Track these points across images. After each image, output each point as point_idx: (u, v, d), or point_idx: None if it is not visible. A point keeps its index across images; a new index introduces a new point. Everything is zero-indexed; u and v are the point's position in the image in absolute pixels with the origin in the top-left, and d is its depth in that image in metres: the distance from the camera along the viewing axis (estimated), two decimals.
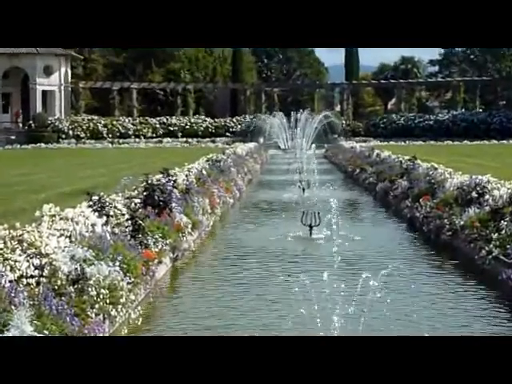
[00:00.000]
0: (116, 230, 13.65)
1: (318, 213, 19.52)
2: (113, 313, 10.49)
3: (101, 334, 9.90)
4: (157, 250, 14.53)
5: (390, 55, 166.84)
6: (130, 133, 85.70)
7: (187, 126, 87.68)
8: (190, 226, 17.91)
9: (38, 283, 9.52)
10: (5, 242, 10.03)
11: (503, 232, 14.70)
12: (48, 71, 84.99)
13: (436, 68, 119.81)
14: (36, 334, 7.70)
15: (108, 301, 10.42)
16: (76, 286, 10.10)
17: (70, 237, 11.56)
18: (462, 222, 17.22)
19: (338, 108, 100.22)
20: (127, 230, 14.13)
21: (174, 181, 19.81)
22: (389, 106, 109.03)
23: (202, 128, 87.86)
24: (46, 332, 8.27)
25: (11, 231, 10.31)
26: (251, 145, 58.81)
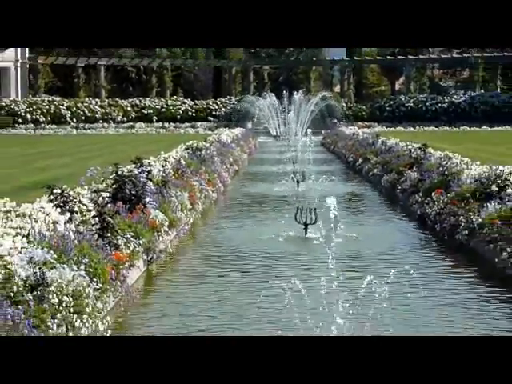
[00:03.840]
0: (81, 229, 13.65)
1: (315, 209, 19.55)
2: (77, 324, 10.47)
3: None
4: (128, 251, 14.53)
5: None
6: (98, 116, 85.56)
7: (163, 109, 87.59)
8: (166, 223, 17.91)
9: None
10: None
11: None
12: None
13: None
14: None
15: (72, 310, 10.41)
16: (35, 293, 10.10)
17: (27, 236, 11.56)
18: (480, 220, 17.27)
19: (337, 88, 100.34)
20: (94, 228, 14.13)
21: (149, 172, 19.82)
22: (396, 87, 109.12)
23: (180, 111, 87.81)
24: None
25: None
26: (237, 131, 58.80)
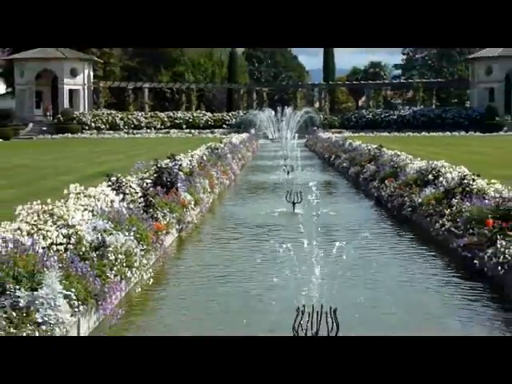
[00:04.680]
0: (131, 206, 13.65)
1: (300, 192, 19.56)
2: (128, 274, 10.52)
3: (118, 293, 9.94)
4: (165, 222, 14.55)
5: (361, 60, 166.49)
6: (143, 125, 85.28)
7: (190, 119, 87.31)
8: (192, 202, 17.92)
9: (65, 249, 9.54)
10: (38, 216, 10.07)
11: (454, 208, 14.77)
12: (74, 73, 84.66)
13: (399, 71, 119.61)
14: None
15: (124, 264, 10.44)
16: (97, 252, 10.12)
17: (92, 211, 11.57)
18: (420, 200, 17.28)
19: (317, 105, 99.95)
20: (140, 205, 14.14)
21: (180, 165, 19.80)
22: (359, 103, 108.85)
23: (202, 121, 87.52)
24: (73, 290, 8.31)
25: (43, 206, 10.33)
26: (244, 135, 58.68)
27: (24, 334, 6.87)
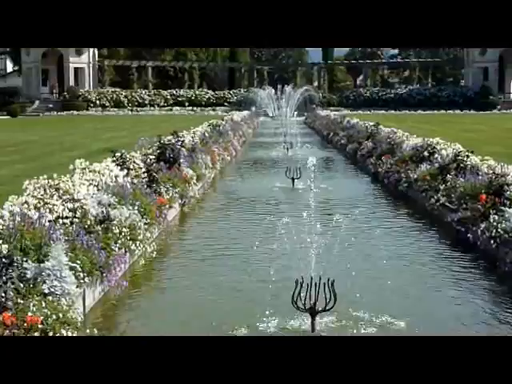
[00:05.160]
0: (135, 181, 13.63)
1: (299, 168, 19.54)
2: (132, 247, 10.52)
3: (123, 265, 9.95)
4: (168, 197, 14.53)
5: None
6: (146, 102, 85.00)
7: (193, 97, 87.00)
8: (195, 178, 17.89)
9: (71, 223, 9.53)
10: (45, 190, 10.05)
11: (448, 184, 14.76)
12: (79, 52, 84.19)
13: (396, 51, 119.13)
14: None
15: (128, 237, 10.44)
16: (102, 226, 10.11)
17: (97, 186, 11.55)
18: (415, 176, 17.26)
19: (316, 83, 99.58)
20: (144, 180, 14.12)
21: (182, 141, 19.76)
22: (357, 82, 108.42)
23: (204, 99, 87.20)
24: (79, 262, 8.31)
25: (50, 181, 10.31)
26: (245, 113, 58.49)
27: (31, 305, 6.88)
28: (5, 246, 7.39)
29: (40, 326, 6.70)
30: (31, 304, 6.91)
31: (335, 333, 7.63)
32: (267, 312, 8.07)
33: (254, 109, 70.88)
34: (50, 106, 79.63)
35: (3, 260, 7.02)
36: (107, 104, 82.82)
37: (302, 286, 7.72)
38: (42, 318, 6.77)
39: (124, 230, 10.38)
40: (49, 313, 6.90)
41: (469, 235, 11.88)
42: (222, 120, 36.07)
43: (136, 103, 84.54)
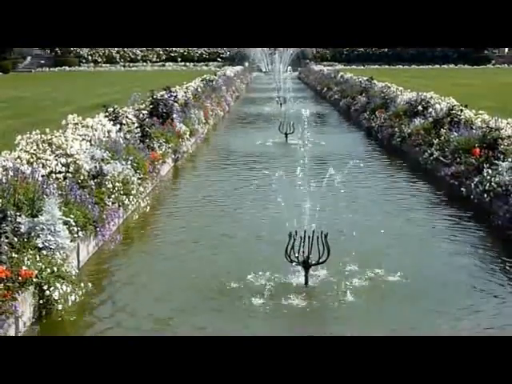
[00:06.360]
0: (128, 136, 13.57)
1: (292, 123, 19.51)
2: (126, 202, 10.52)
3: (116, 219, 9.95)
4: (161, 152, 14.50)
5: None
6: (139, 58, 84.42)
7: (185, 53, 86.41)
8: (188, 133, 17.84)
9: (64, 178, 9.52)
10: (37, 145, 10.01)
11: (442, 138, 14.76)
12: None
13: None
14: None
15: (122, 192, 10.43)
16: (96, 180, 10.10)
17: (90, 141, 11.50)
18: (409, 130, 17.24)
19: None
20: (137, 135, 14.06)
21: (175, 96, 19.62)
22: None
23: (197, 54, 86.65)
24: (73, 216, 8.31)
25: (42, 136, 10.26)
26: (238, 68, 58.11)
27: (26, 259, 6.90)
28: None
29: (35, 279, 6.74)
30: (25, 258, 6.94)
31: (328, 289, 7.65)
32: (260, 260, 8.18)
33: (247, 64, 70.47)
34: (42, 61, 78.90)
35: None
36: (99, 60, 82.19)
37: (295, 239, 7.75)
38: (36, 271, 6.80)
39: (117, 184, 10.35)
40: (43, 266, 6.94)
41: (462, 189, 11.91)
42: (215, 75, 35.83)
43: (128, 59, 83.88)
